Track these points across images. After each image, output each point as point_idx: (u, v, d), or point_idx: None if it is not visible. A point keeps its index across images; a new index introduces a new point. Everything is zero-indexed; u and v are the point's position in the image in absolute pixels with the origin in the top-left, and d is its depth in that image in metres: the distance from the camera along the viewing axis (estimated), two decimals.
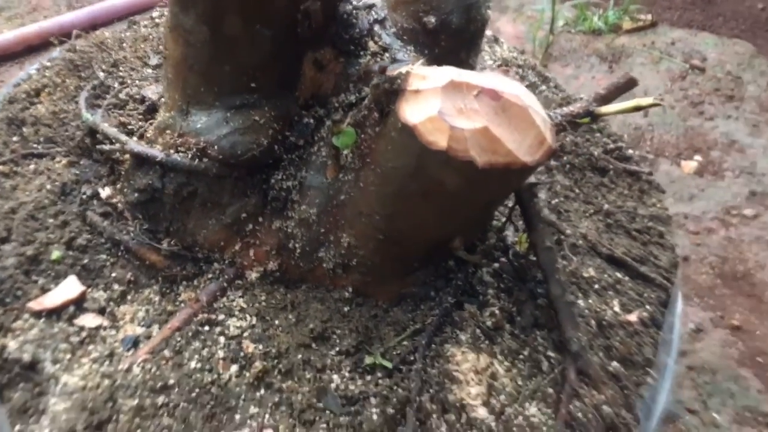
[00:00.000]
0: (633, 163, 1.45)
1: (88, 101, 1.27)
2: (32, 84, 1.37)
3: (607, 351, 1.10)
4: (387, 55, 1.15)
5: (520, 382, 1.03)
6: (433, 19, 1.13)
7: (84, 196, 1.16)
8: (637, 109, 0.96)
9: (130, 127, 1.24)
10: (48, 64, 1.43)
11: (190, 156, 1.05)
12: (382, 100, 0.94)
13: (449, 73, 0.93)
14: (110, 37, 1.52)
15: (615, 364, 1.09)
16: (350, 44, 1.14)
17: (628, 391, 1.06)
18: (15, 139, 1.26)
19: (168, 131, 1.09)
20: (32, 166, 1.22)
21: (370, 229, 1.03)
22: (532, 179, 1.11)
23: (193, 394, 0.96)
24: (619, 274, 1.23)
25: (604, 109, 0.99)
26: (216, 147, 1.04)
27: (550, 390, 1.03)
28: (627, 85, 1.03)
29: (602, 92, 1.03)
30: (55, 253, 1.10)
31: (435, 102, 0.89)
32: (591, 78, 3.85)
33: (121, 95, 1.31)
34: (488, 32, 1.82)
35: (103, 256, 1.12)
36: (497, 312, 1.08)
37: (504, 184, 0.98)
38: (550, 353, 1.06)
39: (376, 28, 1.17)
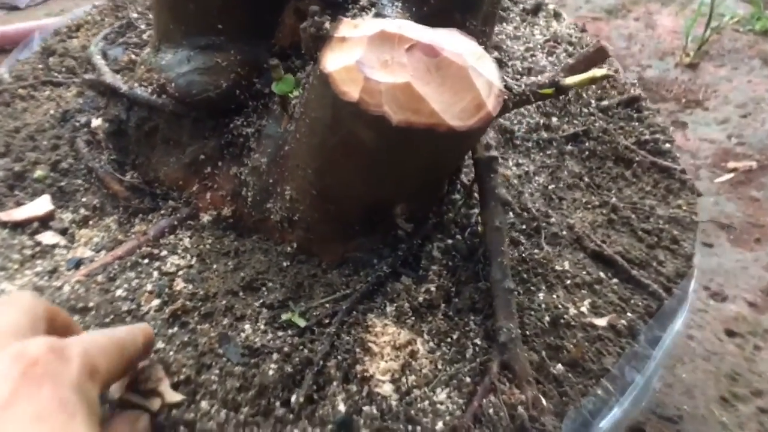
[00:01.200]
0: (668, 158, 1.27)
1: (110, 38, 1.33)
2: (77, 21, 1.46)
3: (555, 351, 0.98)
4: (373, 9, 1.10)
5: (440, 366, 0.95)
6: None
7: (77, 124, 1.22)
8: (593, 81, 0.84)
9: None
10: (98, 3, 1.52)
11: (150, 91, 1.07)
12: (310, 45, 0.89)
13: (385, 23, 0.87)
14: None
15: (559, 366, 0.97)
16: None
17: (567, 398, 0.94)
18: (41, 66, 1.36)
19: (142, 66, 1.11)
20: (47, 93, 1.31)
21: (305, 183, 0.99)
22: (493, 153, 1.02)
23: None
24: (603, 274, 1.08)
25: (568, 80, 0.87)
26: (173, 84, 1.05)
27: (468, 379, 0.94)
28: (597, 55, 0.90)
29: (572, 62, 0.91)
30: (38, 173, 1.17)
31: (357, 51, 0.83)
32: (746, 82, 3.49)
33: (144, 36, 1.37)
34: (551, 6, 1.68)
35: (79, 181, 1.17)
36: (434, 289, 1.00)
37: (434, 148, 0.89)
38: (478, 341, 0.97)
39: None
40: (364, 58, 0.83)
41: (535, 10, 1.62)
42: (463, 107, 0.84)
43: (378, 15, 1.09)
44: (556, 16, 1.61)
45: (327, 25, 0.88)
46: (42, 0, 2.65)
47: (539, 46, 1.49)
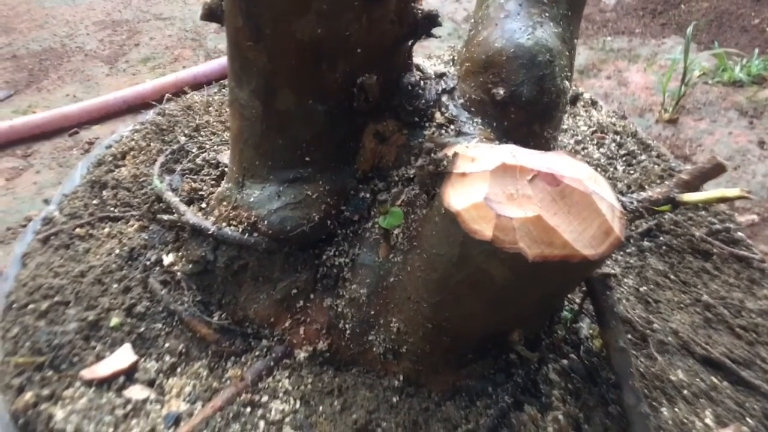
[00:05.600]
0: (743, 247, 1.27)
1: (165, 166, 1.29)
2: (120, 147, 1.42)
3: None
4: (452, 127, 1.09)
5: None
6: (501, 91, 1.05)
7: (148, 263, 1.17)
8: (723, 200, 0.83)
9: (201, 192, 1.24)
10: (138, 127, 1.48)
11: (240, 230, 1.03)
12: (427, 182, 0.87)
13: (502, 154, 0.85)
14: (198, 101, 1.56)
15: None
16: (415, 116, 1.09)
17: None
18: (95, 202, 1.30)
19: (224, 202, 1.08)
20: (106, 229, 1.25)
21: (418, 315, 0.95)
22: (606, 269, 1.00)
23: None
24: (715, 379, 1.06)
25: (687, 197, 0.87)
26: (266, 222, 1.02)
27: None
28: (714, 171, 0.90)
29: (685, 178, 0.90)
30: (114, 320, 1.11)
31: (482, 187, 0.81)
32: (728, 134, 3.59)
33: (198, 160, 1.33)
34: (587, 95, 1.70)
35: (159, 325, 1.12)
36: (561, 418, 0.96)
37: (563, 277, 0.87)
38: None
39: (444, 98, 1.11)
40: (490, 193, 0.81)
41: (574, 100, 1.64)
42: (592, 234, 0.82)
43: (459, 133, 1.09)
44: (594, 104, 1.63)
45: (446, 161, 0.86)
46: (5, 97, 2.59)
47: (587, 138, 1.50)
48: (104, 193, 1.32)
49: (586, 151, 1.45)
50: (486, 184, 0.82)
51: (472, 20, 1.17)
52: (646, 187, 1.36)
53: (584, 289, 1.05)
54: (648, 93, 4.28)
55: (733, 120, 3.53)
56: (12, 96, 2.64)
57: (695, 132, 3.85)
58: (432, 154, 0.87)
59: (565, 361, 1.03)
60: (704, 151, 3.80)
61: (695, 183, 0.90)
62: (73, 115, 2.20)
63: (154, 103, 1.69)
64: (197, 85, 2.18)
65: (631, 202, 0.92)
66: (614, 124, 1.57)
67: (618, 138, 1.53)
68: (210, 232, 1.04)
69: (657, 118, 3.95)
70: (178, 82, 2.40)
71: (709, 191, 0.86)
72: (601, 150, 1.46)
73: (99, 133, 2.23)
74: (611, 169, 1.41)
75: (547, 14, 1.09)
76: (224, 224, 1.05)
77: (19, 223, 1.63)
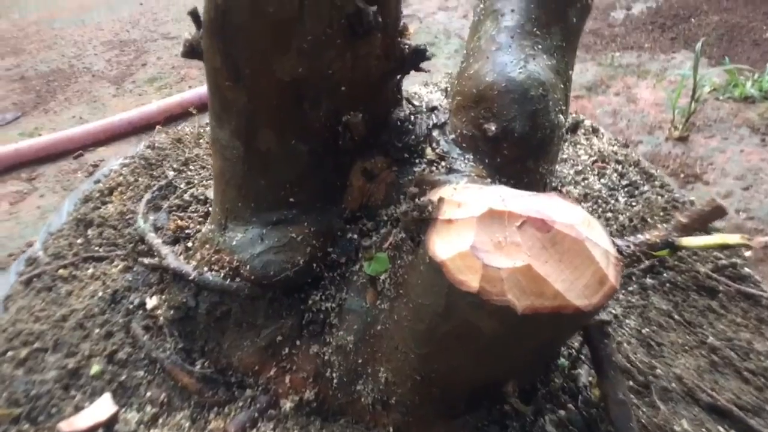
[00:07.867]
0: (750, 283, 1.22)
1: (152, 202, 1.26)
2: (108, 182, 1.39)
3: None
4: (444, 163, 1.05)
5: None
6: (493, 127, 1.01)
7: (131, 306, 1.14)
8: (724, 246, 0.78)
9: (187, 230, 1.21)
10: (127, 161, 1.45)
11: (222, 275, 0.99)
12: (412, 229, 0.83)
13: (489, 199, 0.81)
14: (189, 133, 1.52)
15: None
16: (404, 152, 1.05)
17: None
18: (79, 241, 1.27)
19: (207, 245, 1.04)
20: (90, 270, 1.22)
21: (406, 366, 0.91)
22: (603, 315, 0.95)
23: None
24: (722, 429, 1.01)
25: (686, 241, 0.82)
26: (248, 266, 0.98)
27: None
28: (713, 214, 0.85)
29: (684, 221, 0.86)
30: (95, 368, 1.07)
31: (468, 235, 0.77)
32: (739, 152, 3.53)
33: (186, 196, 1.30)
34: (587, 122, 1.66)
35: (141, 373, 1.08)
36: None
37: (556, 329, 0.82)
38: None
39: (435, 133, 1.07)
40: (477, 242, 0.76)
41: (574, 128, 1.59)
42: (585, 283, 0.77)
43: (450, 170, 1.04)
44: (595, 131, 1.58)
45: (430, 207, 0.82)
46: (13, 118, 2.59)
47: (588, 168, 1.45)
48: (89, 231, 1.29)
49: (586, 181, 1.40)
50: (472, 231, 0.77)
51: (465, 52, 1.13)
52: (649, 220, 1.31)
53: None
54: (657, 110, 4.22)
55: (744, 137, 3.46)
56: (19, 118, 2.64)
57: (706, 150, 3.78)
58: (416, 200, 0.83)
59: (562, 412, 0.98)
60: (715, 169, 3.72)
61: (694, 226, 0.85)
62: (78, 138, 2.18)
63: (144, 135, 1.66)
64: (203, 105, 2.15)
65: (628, 246, 0.87)
66: (616, 153, 1.52)
67: (620, 167, 1.48)
68: (191, 278, 1.00)
69: (667, 135, 3.88)
70: (183, 103, 2.36)
71: (709, 236, 0.81)
72: (602, 180, 1.41)
73: (104, 155, 2.21)
74: (612, 201, 1.36)
75: (539, 46, 1.05)
76: (206, 269, 1.01)
77: (21, 249, 1.60)
